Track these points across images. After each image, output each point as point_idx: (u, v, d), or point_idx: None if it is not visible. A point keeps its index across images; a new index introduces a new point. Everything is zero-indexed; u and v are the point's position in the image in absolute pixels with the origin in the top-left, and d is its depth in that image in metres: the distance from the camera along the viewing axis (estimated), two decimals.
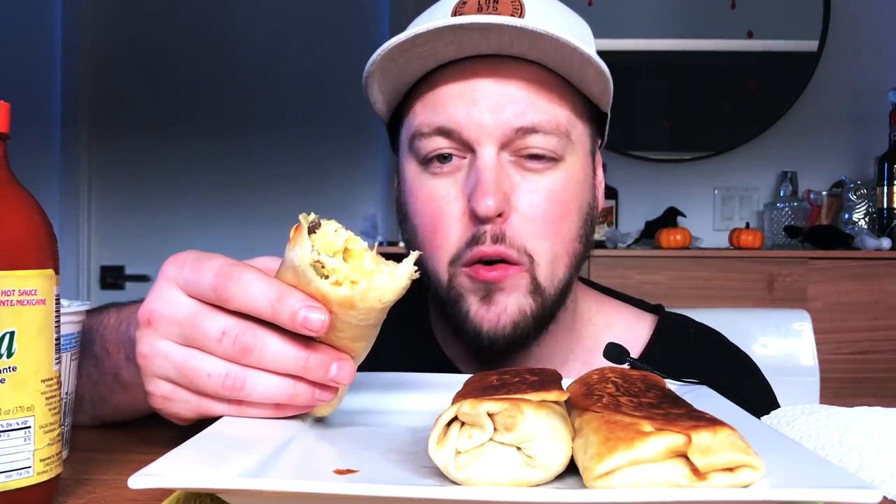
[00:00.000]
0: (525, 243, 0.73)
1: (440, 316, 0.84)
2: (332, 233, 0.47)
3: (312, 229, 0.47)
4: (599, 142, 0.85)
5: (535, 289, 0.74)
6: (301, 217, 0.48)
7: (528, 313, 0.74)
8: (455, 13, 0.75)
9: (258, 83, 2.92)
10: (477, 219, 0.72)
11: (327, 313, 0.47)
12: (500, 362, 0.79)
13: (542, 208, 0.74)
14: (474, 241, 0.73)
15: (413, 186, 0.78)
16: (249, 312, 0.49)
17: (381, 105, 0.80)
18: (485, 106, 0.73)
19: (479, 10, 0.74)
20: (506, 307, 0.74)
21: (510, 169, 0.74)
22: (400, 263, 0.48)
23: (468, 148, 0.74)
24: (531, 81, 0.74)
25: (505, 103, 0.73)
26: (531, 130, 0.73)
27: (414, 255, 0.48)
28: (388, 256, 0.50)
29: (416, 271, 0.48)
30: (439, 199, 0.75)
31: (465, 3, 0.75)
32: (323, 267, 0.47)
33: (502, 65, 0.73)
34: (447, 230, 0.74)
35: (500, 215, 0.72)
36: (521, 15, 0.73)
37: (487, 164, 0.72)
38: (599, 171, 0.84)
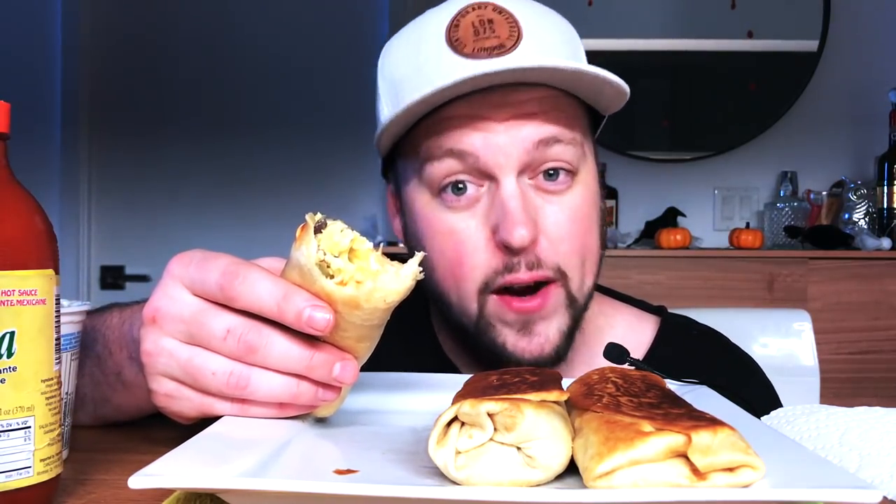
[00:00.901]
0: (558, 261, 0.73)
1: (465, 345, 0.82)
2: (338, 233, 0.48)
3: (318, 229, 0.48)
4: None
5: (571, 302, 0.75)
6: (307, 217, 0.48)
7: (565, 331, 0.75)
8: (449, 37, 0.73)
9: (258, 83, 2.92)
10: (509, 249, 0.71)
11: (332, 313, 0.47)
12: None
13: (567, 227, 0.74)
14: (507, 269, 0.72)
15: (428, 219, 0.76)
16: (255, 311, 0.49)
17: (386, 142, 0.78)
18: (499, 129, 0.71)
19: (476, 35, 0.72)
20: (548, 336, 0.74)
21: (532, 194, 0.73)
22: (405, 264, 0.48)
23: (485, 175, 0.73)
24: (543, 101, 0.73)
25: (520, 122, 0.72)
26: (553, 140, 0.72)
27: (419, 255, 0.49)
28: (391, 257, 0.50)
29: (420, 272, 0.48)
30: (460, 232, 0.73)
31: (457, 25, 0.73)
32: (328, 267, 0.47)
33: (515, 91, 0.72)
34: (473, 261, 0.73)
35: (532, 242, 0.71)
36: (518, 33, 0.72)
37: (512, 193, 0.71)
38: None
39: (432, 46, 0.74)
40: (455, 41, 0.73)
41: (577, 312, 0.76)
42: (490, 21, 0.73)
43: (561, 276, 0.74)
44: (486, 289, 0.73)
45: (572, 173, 0.74)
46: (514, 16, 0.73)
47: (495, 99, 0.72)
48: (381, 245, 0.50)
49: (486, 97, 0.72)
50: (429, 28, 0.75)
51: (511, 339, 0.74)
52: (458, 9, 0.74)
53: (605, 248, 0.81)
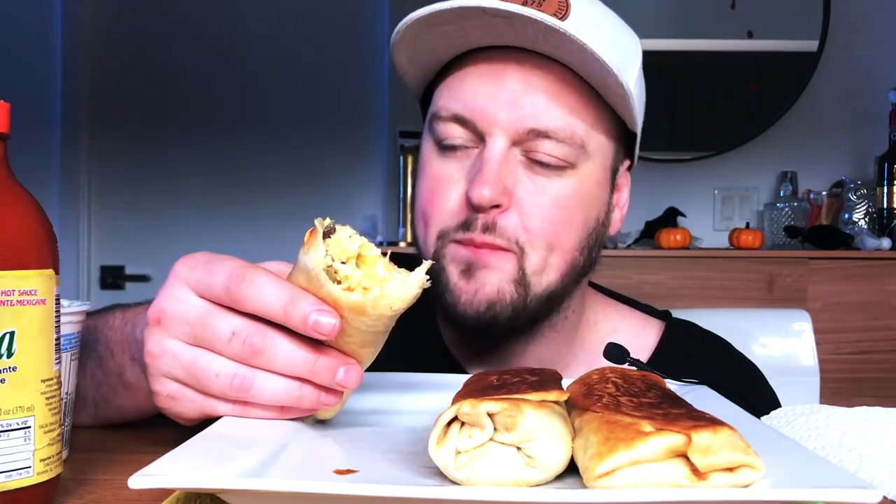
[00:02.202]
0: (518, 235, 0.73)
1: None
2: (347, 238, 0.48)
3: (327, 234, 0.48)
4: (629, 163, 0.84)
5: (521, 279, 0.73)
6: (316, 222, 0.48)
7: (506, 300, 0.73)
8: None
9: (258, 83, 2.92)
10: (471, 206, 0.72)
11: (338, 317, 0.48)
12: (501, 364, 0.78)
13: (544, 208, 0.73)
14: (465, 225, 0.73)
15: (425, 162, 0.79)
16: (261, 314, 0.49)
17: (411, 78, 0.81)
18: (503, 100, 0.72)
19: (525, 2, 0.72)
20: (484, 284, 0.73)
21: (519, 166, 0.74)
22: (412, 272, 0.48)
23: (480, 137, 0.74)
24: (554, 83, 0.73)
25: (524, 102, 0.72)
26: (544, 135, 0.72)
27: (426, 264, 0.49)
28: (396, 260, 0.50)
29: (427, 280, 0.48)
30: (442, 180, 0.76)
31: None
32: (336, 272, 0.47)
33: (529, 60, 0.73)
34: (441, 206, 0.75)
35: (497, 207, 0.72)
36: (565, 14, 0.72)
37: (493, 155, 0.72)
38: (623, 194, 0.83)
39: (488, 3, 0.74)
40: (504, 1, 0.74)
41: (530, 297, 0.74)
42: None
43: (517, 250, 0.73)
44: (443, 237, 0.75)
45: (564, 167, 0.74)
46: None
47: (510, 61, 0.73)
48: (383, 245, 0.50)
49: (503, 57, 0.73)
50: None
51: (454, 279, 0.74)
52: None
53: (590, 261, 0.79)
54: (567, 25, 0.68)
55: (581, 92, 0.74)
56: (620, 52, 0.76)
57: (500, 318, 0.74)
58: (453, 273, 0.74)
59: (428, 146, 0.79)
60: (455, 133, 0.75)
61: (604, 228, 0.81)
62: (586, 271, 0.80)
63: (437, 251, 0.75)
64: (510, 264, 0.73)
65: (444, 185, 0.75)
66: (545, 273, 0.75)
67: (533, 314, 0.76)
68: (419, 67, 0.79)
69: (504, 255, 0.73)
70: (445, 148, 0.76)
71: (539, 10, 0.71)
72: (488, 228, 0.72)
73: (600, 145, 0.77)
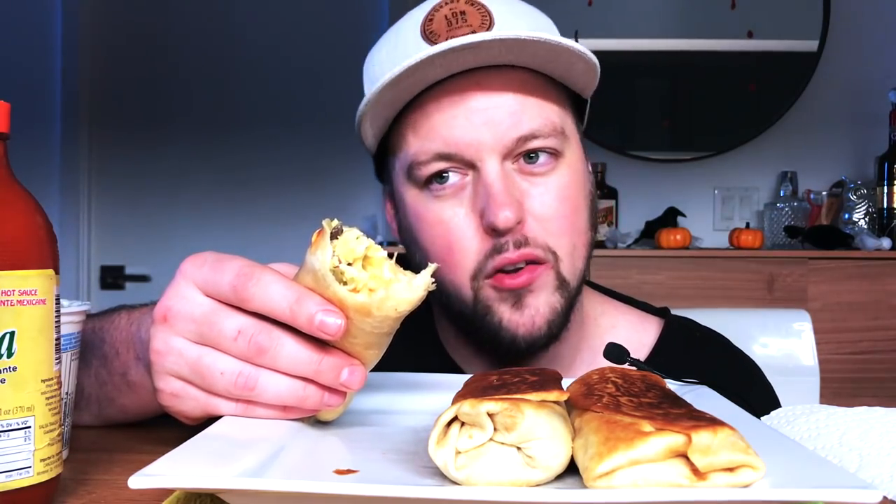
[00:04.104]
0: (547, 241, 0.74)
1: (465, 333, 0.83)
2: (354, 240, 0.48)
3: (334, 235, 0.48)
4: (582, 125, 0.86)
5: (561, 284, 0.75)
6: (324, 222, 0.48)
7: (558, 309, 0.75)
8: (424, 30, 0.75)
9: (258, 83, 2.92)
10: (496, 231, 0.72)
11: (344, 318, 0.48)
12: (506, 365, 0.78)
13: (555, 207, 0.75)
14: (496, 251, 0.73)
15: (418, 211, 0.77)
16: (267, 313, 0.50)
17: (371, 139, 0.80)
18: (479, 122, 0.73)
19: (449, 25, 0.74)
20: (538, 308, 0.74)
21: (516, 177, 0.74)
22: (418, 274, 0.49)
23: (469, 165, 0.74)
24: (519, 87, 0.74)
25: (499, 116, 0.73)
26: (530, 137, 0.74)
27: (431, 267, 0.49)
28: (400, 259, 0.50)
29: (432, 283, 0.48)
30: (448, 221, 0.75)
31: (431, 19, 0.75)
32: (342, 273, 0.48)
33: (488, 75, 0.74)
34: (463, 247, 0.74)
35: (518, 223, 0.72)
36: (490, 21, 0.74)
37: (495, 177, 0.72)
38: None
39: (409, 41, 0.76)
40: (429, 33, 0.75)
41: (570, 294, 0.77)
42: (462, 13, 0.75)
43: (552, 257, 0.74)
44: (478, 275, 0.74)
45: (555, 155, 0.75)
46: (486, 6, 0.75)
47: (471, 84, 0.73)
48: (384, 245, 0.50)
49: (462, 83, 0.73)
50: (406, 26, 0.78)
51: (506, 316, 0.75)
52: (433, 5, 0.76)
53: (595, 231, 0.82)
54: (526, 33, 0.69)
55: (543, 84, 0.76)
56: (550, 30, 0.79)
57: (559, 328, 0.76)
58: (504, 310, 0.75)
59: (412, 194, 0.77)
60: (440, 167, 0.74)
61: (595, 196, 0.83)
62: (595, 242, 0.82)
63: (476, 293, 0.75)
64: (549, 277, 0.75)
65: (454, 228, 0.74)
66: (575, 264, 0.77)
67: (573, 304, 0.78)
68: (379, 122, 0.78)
69: (542, 270, 0.74)
70: (431, 183, 0.75)
71: (468, 27, 0.73)
72: (521, 244, 0.73)
73: (571, 125, 0.79)
